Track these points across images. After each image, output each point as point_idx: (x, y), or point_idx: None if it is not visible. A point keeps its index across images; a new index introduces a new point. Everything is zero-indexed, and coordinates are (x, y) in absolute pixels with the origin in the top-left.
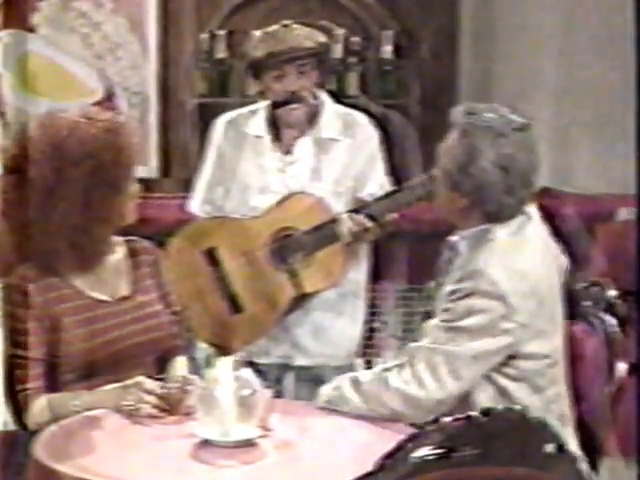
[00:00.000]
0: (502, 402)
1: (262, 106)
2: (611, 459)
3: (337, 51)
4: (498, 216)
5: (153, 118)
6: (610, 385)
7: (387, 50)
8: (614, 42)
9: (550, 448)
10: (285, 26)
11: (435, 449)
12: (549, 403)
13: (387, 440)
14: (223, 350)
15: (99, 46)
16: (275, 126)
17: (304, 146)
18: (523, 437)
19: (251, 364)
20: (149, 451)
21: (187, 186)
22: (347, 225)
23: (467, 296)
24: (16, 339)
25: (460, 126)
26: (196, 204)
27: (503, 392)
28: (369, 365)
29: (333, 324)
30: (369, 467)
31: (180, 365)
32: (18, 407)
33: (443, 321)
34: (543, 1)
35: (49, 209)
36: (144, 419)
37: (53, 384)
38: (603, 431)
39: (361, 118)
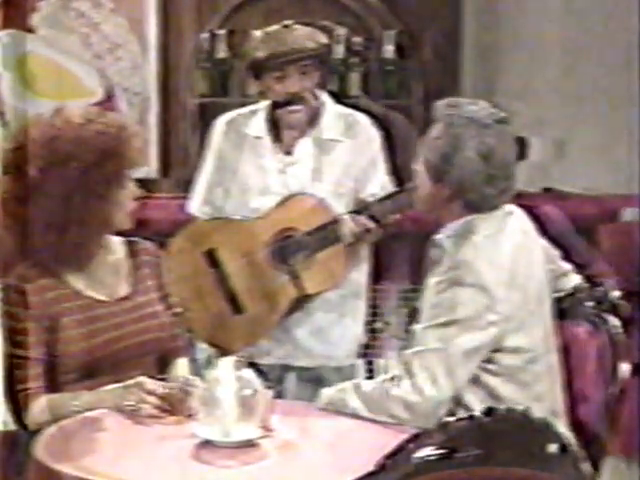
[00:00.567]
0: (490, 402)
1: (262, 106)
2: (614, 459)
3: (339, 51)
4: (480, 206)
5: (153, 118)
6: (613, 386)
7: (389, 50)
8: (618, 44)
9: (553, 448)
10: (286, 26)
11: (437, 449)
12: (538, 399)
13: (389, 440)
14: (224, 351)
15: (99, 46)
16: (275, 127)
17: (305, 147)
18: (525, 437)
19: (252, 365)
20: (150, 451)
21: (187, 186)
22: (349, 226)
23: (452, 287)
24: (15, 339)
25: (444, 118)
26: (195, 205)
27: (490, 391)
28: (370, 366)
29: (334, 325)
30: (370, 467)
31: (181, 366)
32: (18, 407)
33: (432, 320)
34: (546, 2)
35: (36, 207)
36: (145, 419)
37: (53, 384)
38: (606, 432)
39: (362, 119)
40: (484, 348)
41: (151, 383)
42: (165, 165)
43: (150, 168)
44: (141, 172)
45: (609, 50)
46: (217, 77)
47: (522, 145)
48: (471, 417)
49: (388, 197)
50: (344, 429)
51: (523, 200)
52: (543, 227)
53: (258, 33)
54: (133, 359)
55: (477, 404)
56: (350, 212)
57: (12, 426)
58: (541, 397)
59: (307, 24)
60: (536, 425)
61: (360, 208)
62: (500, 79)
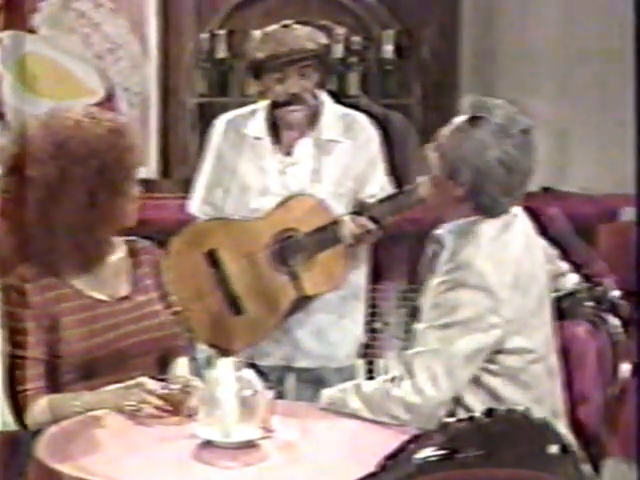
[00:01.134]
0: (491, 403)
1: (261, 106)
2: (614, 460)
3: (338, 51)
4: (490, 211)
5: (153, 118)
6: (613, 386)
7: (388, 50)
8: (614, 41)
9: (553, 449)
10: (285, 26)
11: (438, 450)
12: (538, 400)
13: (390, 441)
14: (224, 352)
15: (99, 46)
16: (275, 127)
17: (304, 147)
18: (527, 438)
19: (252, 366)
20: (150, 452)
21: (187, 186)
22: (349, 227)
23: (454, 288)
24: (15, 339)
25: (470, 117)
26: (195, 205)
27: (491, 392)
28: (371, 366)
29: (334, 326)
30: (371, 468)
31: (181, 365)
32: (18, 407)
33: (433, 320)
34: (544, 2)
35: (52, 208)
36: (146, 420)
37: (53, 384)
38: (606, 432)
39: (362, 119)
40: (485, 350)
41: (152, 383)
42: (165, 165)
43: (150, 168)
44: (141, 172)
45: (607, 50)
46: (217, 77)
47: None
48: (471, 418)
49: (388, 198)
50: (345, 430)
51: (522, 200)
52: (542, 227)
53: (258, 33)
54: (134, 359)
55: (478, 405)
56: (350, 213)
57: (13, 426)
58: (542, 398)
59: (306, 23)
60: (536, 426)
61: (360, 209)
62: (498, 79)
